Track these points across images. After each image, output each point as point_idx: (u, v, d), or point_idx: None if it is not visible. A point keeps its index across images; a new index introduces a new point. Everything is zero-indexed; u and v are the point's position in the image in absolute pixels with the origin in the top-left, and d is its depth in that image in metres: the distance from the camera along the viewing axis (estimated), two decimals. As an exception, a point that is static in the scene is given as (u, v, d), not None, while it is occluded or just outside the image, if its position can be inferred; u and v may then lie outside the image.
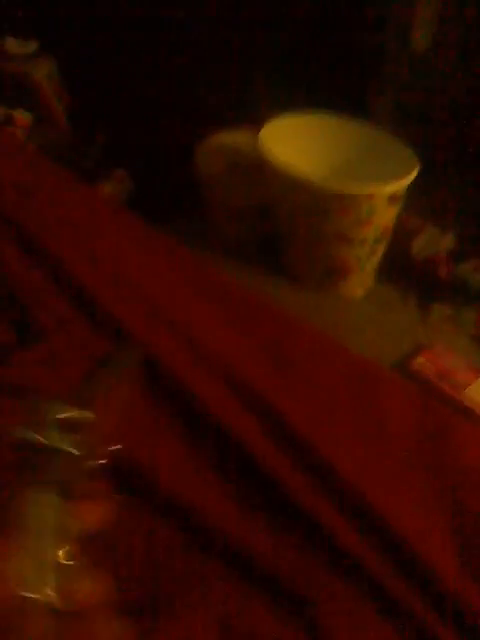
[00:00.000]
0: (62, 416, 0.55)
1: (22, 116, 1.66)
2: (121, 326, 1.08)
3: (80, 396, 0.59)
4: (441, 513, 0.99)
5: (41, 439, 0.53)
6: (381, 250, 1.61)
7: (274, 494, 0.92)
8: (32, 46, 1.68)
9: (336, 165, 1.62)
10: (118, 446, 0.57)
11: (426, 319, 1.62)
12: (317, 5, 1.65)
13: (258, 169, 1.55)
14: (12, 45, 1.67)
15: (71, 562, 0.50)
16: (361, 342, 1.44)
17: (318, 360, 1.15)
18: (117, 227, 1.32)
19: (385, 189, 1.44)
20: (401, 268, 1.68)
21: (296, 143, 1.59)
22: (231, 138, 1.67)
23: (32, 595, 0.47)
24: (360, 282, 1.63)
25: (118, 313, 1.09)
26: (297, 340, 1.21)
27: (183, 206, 1.69)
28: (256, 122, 1.58)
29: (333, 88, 1.63)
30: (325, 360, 1.17)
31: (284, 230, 1.62)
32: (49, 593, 0.47)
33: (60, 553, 0.50)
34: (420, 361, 1.46)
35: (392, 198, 1.47)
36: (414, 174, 1.47)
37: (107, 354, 0.71)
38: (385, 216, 1.51)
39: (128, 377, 0.68)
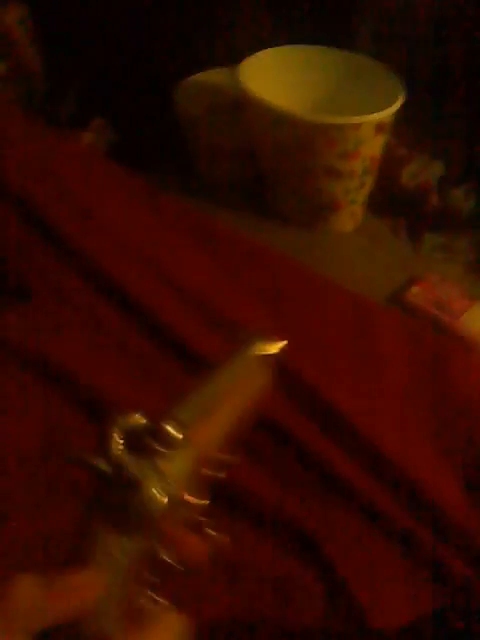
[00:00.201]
0: (148, 437, 0.46)
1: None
2: (107, 276, 1.08)
3: (178, 410, 0.49)
4: (441, 443, 1.02)
5: (118, 469, 0.45)
6: (370, 182, 1.58)
7: (275, 434, 0.95)
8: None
9: (320, 98, 1.58)
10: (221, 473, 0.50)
11: (418, 249, 1.60)
12: None
13: (240, 108, 1.51)
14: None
15: (140, 606, 0.45)
16: (354, 276, 1.44)
17: (312, 299, 1.17)
18: (100, 177, 1.32)
19: (371, 118, 1.40)
20: (391, 199, 1.65)
21: (278, 78, 1.54)
22: (211, 77, 1.63)
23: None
24: (350, 216, 1.61)
25: (105, 263, 1.10)
26: (289, 280, 1.22)
27: (166, 150, 1.65)
28: (236, 60, 1.53)
29: (313, 19, 1.57)
30: (319, 299, 1.19)
31: (270, 168, 1.58)
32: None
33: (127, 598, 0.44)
34: (414, 292, 1.45)
35: (379, 127, 1.43)
36: (400, 102, 1.43)
37: (229, 352, 0.57)
38: (373, 146, 1.48)
39: (253, 384, 0.55)
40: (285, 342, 0.59)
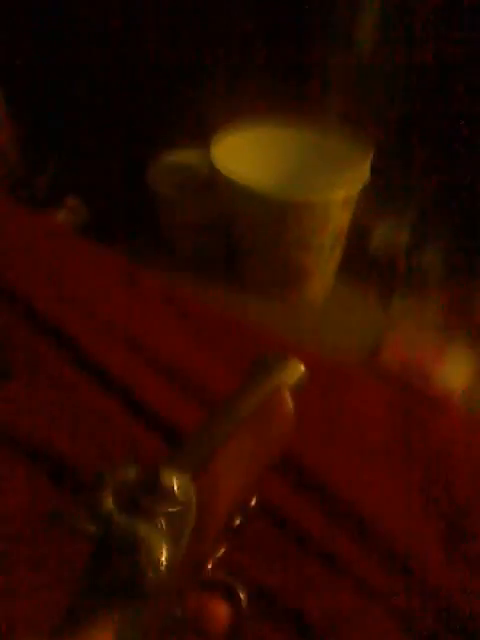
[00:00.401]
0: (144, 492, 0.39)
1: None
2: (85, 353, 1.10)
3: (179, 456, 0.43)
4: (419, 500, 1.02)
5: (109, 532, 0.38)
6: (339, 251, 1.64)
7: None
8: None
9: (289, 173, 1.64)
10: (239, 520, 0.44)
11: (389, 312, 1.65)
12: (261, 17, 1.67)
13: (211, 185, 1.57)
14: None
15: None
16: (327, 342, 1.47)
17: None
18: (75, 254, 1.34)
19: (339, 194, 1.47)
20: (360, 265, 1.71)
21: (248, 154, 1.61)
22: (182, 156, 1.70)
23: None
24: (321, 284, 1.67)
25: (84, 341, 1.11)
26: (263, 350, 1.24)
27: (139, 226, 1.70)
28: (207, 137, 1.60)
29: (282, 96, 1.63)
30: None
31: (242, 242, 1.64)
32: None
33: None
34: (386, 354, 1.50)
35: (346, 201, 1.50)
36: (366, 179, 1.50)
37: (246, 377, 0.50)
38: (341, 218, 1.55)
39: (273, 415, 0.47)
40: (303, 367, 0.51)
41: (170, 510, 0.39)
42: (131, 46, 1.69)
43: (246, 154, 1.60)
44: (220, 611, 0.42)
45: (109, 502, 0.39)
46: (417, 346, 1.53)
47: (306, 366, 1.23)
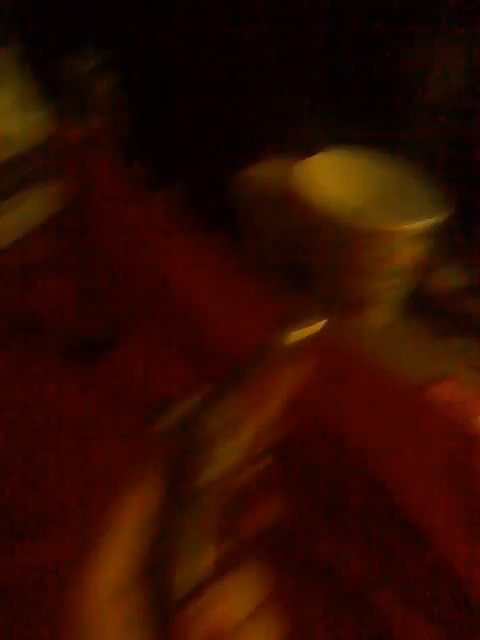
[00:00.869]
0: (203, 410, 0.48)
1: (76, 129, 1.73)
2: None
3: (231, 380, 0.51)
4: (470, 531, 1.08)
5: (181, 441, 0.47)
6: (403, 284, 1.67)
7: (333, 499, 1.05)
8: (93, 62, 1.73)
9: (367, 201, 1.68)
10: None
11: (440, 352, 1.68)
12: (360, 47, 1.70)
13: (288, 202, 1.60)
14: (75, 62, 1.73)
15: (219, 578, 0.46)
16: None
17: (362, 378, 1.21)
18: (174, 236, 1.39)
19: (408, 228, 1.50)
20: (419, 302, 1.75)
21: (330, 178, 1.65)
22: (268, 171, 1.73)
23: None
24: (381, 314, 1.70)
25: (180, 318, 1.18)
26: (342, 359, 1.27)
27: (221, 229, 1.75)
28: (294, 156, 1.64)
29: (371, 127, 1.68)
30: (368, 377, 1.23)
31: (311, 262, 1.68)
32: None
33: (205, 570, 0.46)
34: (433, 391, 1.51)
35: (415, 236, 1.53)
36: (439, 218, 1.53)
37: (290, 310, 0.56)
38: (407, 252, 1.57)
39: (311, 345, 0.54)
40: (322, 322, 0.56)
41: (220, 424, 0.48)
42: (232, 61, 1.74)
43: (327, 179, 1.64)
44: (259, 515, 0.51)
45: (173, 421, 0.48)
46: (463, 388, 1.54)
47: (379, 380, 1.26)
